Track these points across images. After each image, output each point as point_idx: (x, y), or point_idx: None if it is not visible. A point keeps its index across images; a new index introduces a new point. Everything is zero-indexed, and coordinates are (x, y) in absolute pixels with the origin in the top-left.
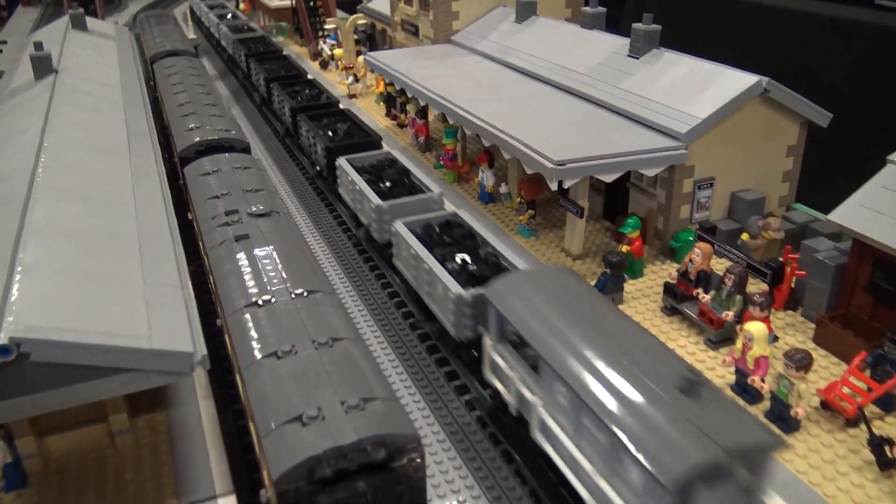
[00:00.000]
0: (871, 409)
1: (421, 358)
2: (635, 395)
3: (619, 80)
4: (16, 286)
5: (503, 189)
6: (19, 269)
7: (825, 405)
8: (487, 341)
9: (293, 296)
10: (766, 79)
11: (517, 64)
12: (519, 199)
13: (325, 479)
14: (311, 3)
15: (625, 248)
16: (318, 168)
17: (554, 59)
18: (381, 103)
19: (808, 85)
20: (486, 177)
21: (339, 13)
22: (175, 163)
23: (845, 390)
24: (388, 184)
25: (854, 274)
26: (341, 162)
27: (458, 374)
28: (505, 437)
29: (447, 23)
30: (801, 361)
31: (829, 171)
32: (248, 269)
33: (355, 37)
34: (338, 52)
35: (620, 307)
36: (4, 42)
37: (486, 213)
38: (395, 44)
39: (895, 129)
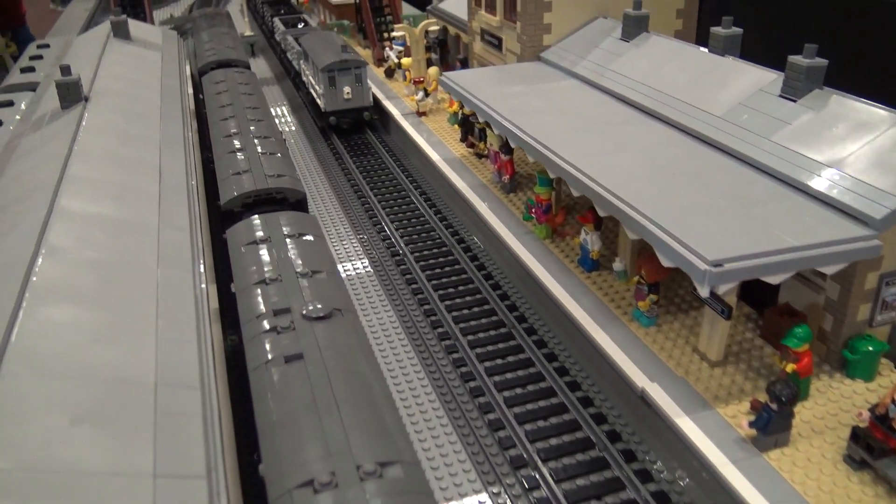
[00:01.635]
0: None
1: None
2: None
3: (771, 130)
4: None
5: (617, 266)
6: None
7: None
8: None
9: (362, 475)
10: None
11: (628, 95)
12: (637, 279)
13: None
14: (377, 3)
15: (790, 368)
16: None
17: (677, 92)
18: (456, 126)
19: None
20: (590, 240)
21: (406, 7)
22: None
23: None
24: None
25: None
26: None
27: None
28: None
29: (537, 36)
30: None
31: None
32: (306, 433)
33: (425, 43)
34: (406, 61)
35: (785, 452)
36: (47, 45)
37: (589, 285)
38: (472, 55)
39: None
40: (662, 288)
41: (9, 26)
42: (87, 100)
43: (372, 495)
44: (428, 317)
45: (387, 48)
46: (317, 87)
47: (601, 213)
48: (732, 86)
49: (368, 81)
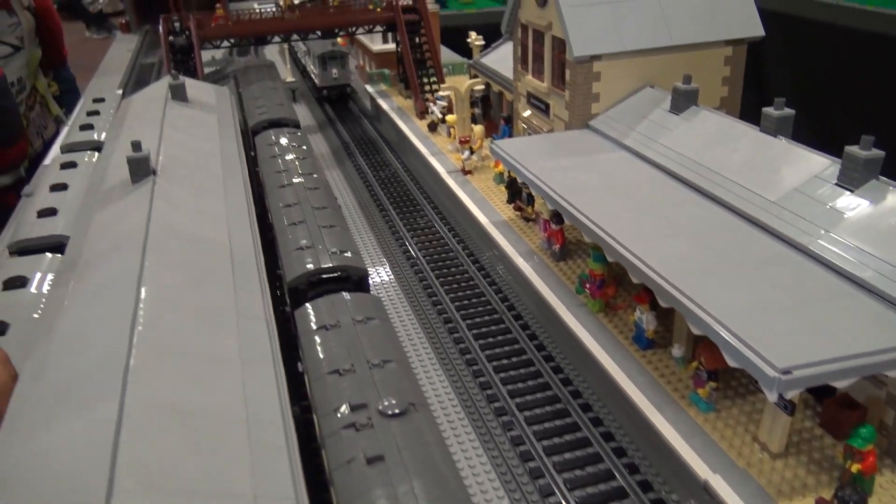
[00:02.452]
0: None
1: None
2: None
3: (829, 221)
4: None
5: (676, 352)
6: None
7: None
8: None
9: None
10: None
11: (680, 173)
12: (697, 365)
13: None
14: (419, 55)
15: (855, 468)
16: None
17: (730, 173)
18: (503, 187)
19: None
20: (645, 320)
21: (445, 52)
22: (284, 290)
23: None
24: None
25: None
26: None
27: None
28: None
29: (585, 105)
30: None
31: None
32: None
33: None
34: (451, 118)
35: None
36: (102, 100)
37: (644, 364)
38: (517, 114)
39: None
40: (722, 381)
41: (51, 66)
42: (155, 173)
43: None
44: (483, 389)
45: (430, 103)
46: (314, 70)
47: (663, 305)
48: (786, 170)
49: (350, 67)
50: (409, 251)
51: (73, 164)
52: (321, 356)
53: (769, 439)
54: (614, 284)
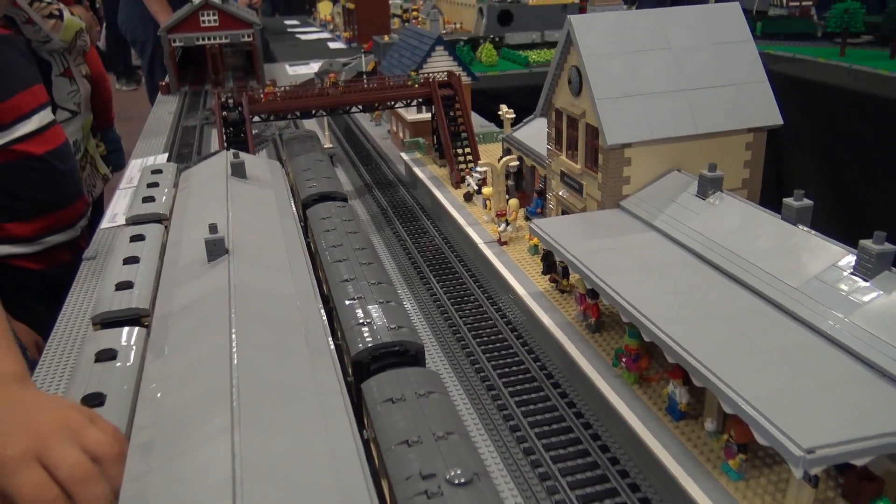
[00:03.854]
0: None
1: None
2: None
3: (847, 308)
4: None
5: (709, 426)
6: None
7: None
8: None
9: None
10: None
11: (708, 257)
12: (727, 438)
13: None
14: (454, 128)
15: None
16: None
17: (754, 258)
18: (539, 259)
19: None
20: (678, 393)
21: (476, 118)
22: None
23: None
24: None
25: None
26: None
27: None
28: None
29: (617, 187)
30: None
31: None
32: None
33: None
34: (487, 190)
35: None
36: (159, 171)
37: (678, 435)
38: (551, 189)
39: None
40: (752, 451)
41: (100, 128)
42: (228, 252)
43: None
44: (527, 455)
45: (466, 175)
46: None
47: (697, 384)
48: (807, 258)
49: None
50: (451, 318)
51: (141, 237)
52: (392, 429)
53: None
54: (648, 357)
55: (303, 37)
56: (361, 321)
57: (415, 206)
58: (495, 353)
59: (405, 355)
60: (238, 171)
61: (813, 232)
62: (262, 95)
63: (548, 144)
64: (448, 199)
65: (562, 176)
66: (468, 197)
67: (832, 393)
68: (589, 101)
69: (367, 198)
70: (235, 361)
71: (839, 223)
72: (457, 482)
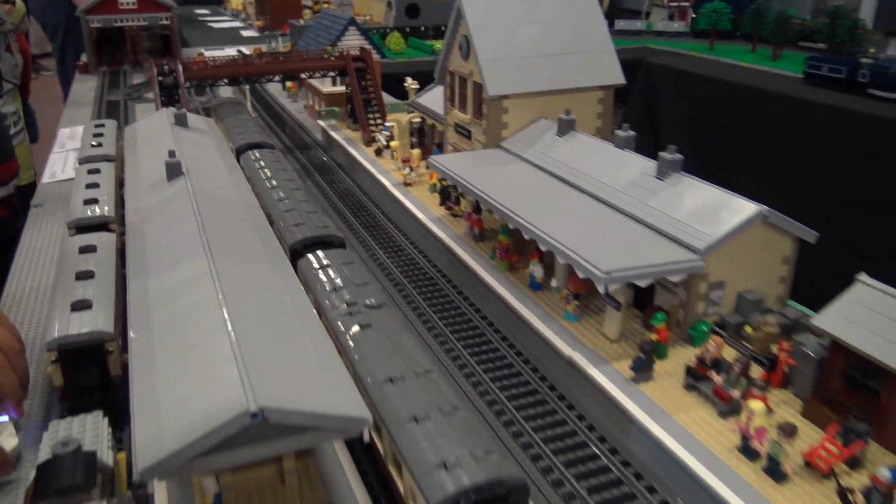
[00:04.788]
0: (841, 468)
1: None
2: None
3: (647, 198)
4: (243, 366)
5: (554, 283)
6: (244, 347)
7: (808, 464)
8: None
9: (416, 373)
10: (765, 208)
11: (560, 174)
12: (566, 291)
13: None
14: (365, 96)
15: (654, 337)
16: None
17: (592, 172)
18: (436, 193)
19: (801, 161)
20: (536, 270)
21: (385, 97)
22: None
23: (822, 453)
24: None
25: (832, 365)
26: None
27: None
28: None
29: (497, 131)
30: (789, 432)
31: (820, 275)
32: (378, 357)
33: (409, 130)
34: (394, 144)
35: (651, 383)
36: (102, 125)
37: (536, 299)
38: (447, 140)
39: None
40: (582, 300)
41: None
42: (184, 174)
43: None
44: (425, 323)
45: (375, 133)
46: None
47: (542, 249)
48: (627, 170)
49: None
50: (365, 242)
51: (97, 171)
52: (324, 282)
53: (608, 331)
54: (517, 253)
55: (215, 25)
56: (295, 223)
57: (331, 164)
58: (398, 258)
59: (329, 244)
60: (181, 121)
61: (633, 153)
62: (193, 64)
63: (444, 102)
64: (361, 155)
65: (455, 127)
66: (378, 152)
67: (628, 244)
68: (475, 62)
69: (289, 158)
70: (209, 246)
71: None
72: (371, 305)
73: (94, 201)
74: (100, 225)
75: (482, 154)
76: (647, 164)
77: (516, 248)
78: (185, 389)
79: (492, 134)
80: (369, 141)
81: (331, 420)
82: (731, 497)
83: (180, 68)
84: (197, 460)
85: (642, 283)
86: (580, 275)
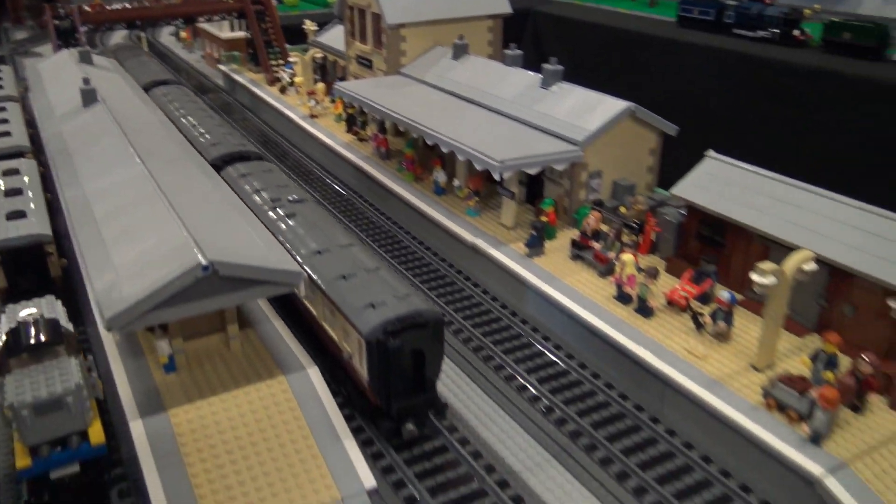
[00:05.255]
0: (694, 303)
1: None
2: None
3: (533, 104)
4: (190, 235)
5: (456, 183)
6: (187, 221)
7: (669, 302)
8: None
9: (340, 246)
10: (633, 104)
11: (457, 91)
12: (467, 190)
13: (394, 331)
14: (266, 38)
15: (543, 219)
16: None
17: (485, 88)
18: (343, 122)
19: (677, 97)
20: (439, 175)
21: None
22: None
23: (680, 292)
24: None
25: (688, 227)
26: None
27: None
28: None
29: (397, 58)
30: (653, 273)
31: (682, 163)
32: (306, 236)
33: (313, 66)
34: (299, 80)
35: (543, 257)
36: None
37: (440, 202)
38: (349, 72)
39: (731, 135)
40: (482, 200)
41: None
42: (99, 101)
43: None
44: None
45: (279, 72)
46: None
47: (444, 150)
48: (515, 83)
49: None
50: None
51: (3, 109)
52: (246, 186)
53: (506, 220)
54: (421, 167)
55: None
56: (212, 143)
57: (236, 105)
58: (310, 182)
59: (248, 158)
60: (85, 58)
61: (521, 69)
62: (90, 7)
63: (345, 37)
64: (267, 94)
65: (357, 58)
66: (283, 90)
67: (519, 142)
68: None
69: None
70: (138, 154)
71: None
72: (293, 200)
73: (8, 134)
74: (16, 154)
75: (384, 80)
76: (532, 77)
77: (420, 161)
78: (138, 256)
79: (392, 61)
80: (273, 81)
81: (272, 273)
82: (611, 332)
83: (77, 13)
84: (156, 311)
85: (532, 171)
86: (478, 167)
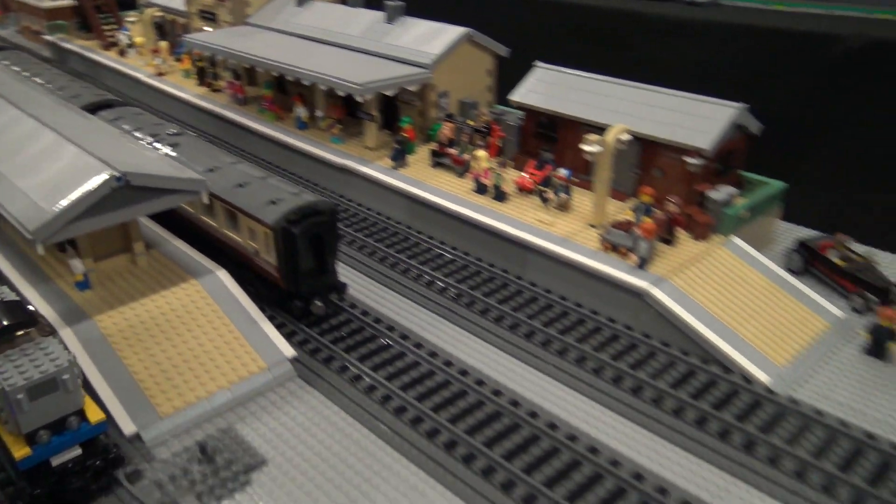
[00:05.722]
0: (539, 187)
1: None
2: None
3: (381, 37)
4: (96, 155)
5: (319, 114)
6: (87, 147)
7: (520, 189)
8: None
9: (228, 163)
10: (471, 29)
11: (306, 34)
12: (330, 120)
13: (295, 220)
14: (96, 3)
15: (404, 135)
16: None
17: (333, 28)
18: (193, 76)
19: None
20: (301, 111)
21: None
22: None
23: (527, 178)
24: None
25: (527, 128)
26: None
27: None
28: None
29: (242, 10)
30: (503, 163)
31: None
32: (195, 159)
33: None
34: (139, 40)
35: (408, 168)
36: None
37: (304, 136)
38: (193, 28)
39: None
40: (344, 128)
41: None
42: None
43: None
44: None
45: (116, 35)
46: None
47: (306, 84)
48: (362, 21)
49: None
50: None
51: None
52: (124, 127)
53: (368, 142)
54: (281, 107)
55: None
56: (72, 96)
57: (73, 73)
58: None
59: (113, 106)
60: None
61: (364, 9)
62: None
63: None
64: (105, 58)
65: (200, 13)
66: (122, 52)
67: (376, 69)
68: None
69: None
70: (14, 101)
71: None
72: (172, 133)
73: None
74: None
75: (233, 30)
76: (376, 15)
77: (280, 102)
78: (47, 181)
79: (237, 13)
80: (108, 45)
81: (179, 182)
82: (472, 214)
83: None
84: (77, 222)
85: (389, 92)
86: (340, 93)
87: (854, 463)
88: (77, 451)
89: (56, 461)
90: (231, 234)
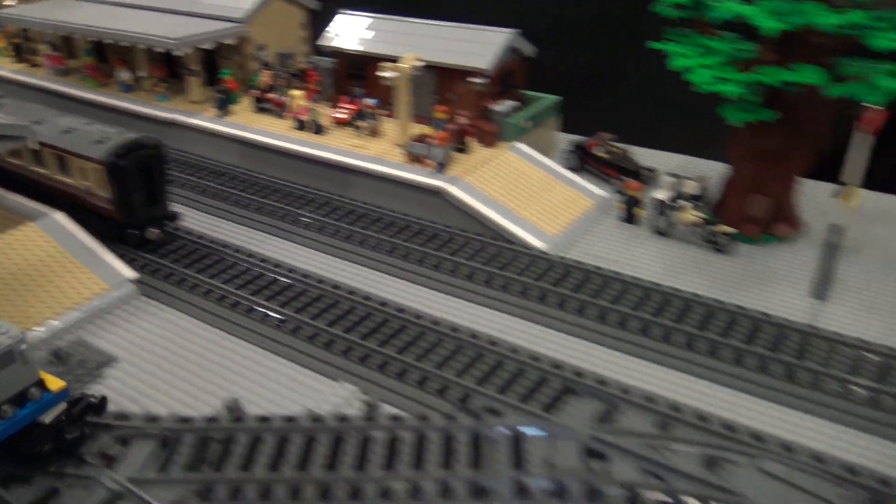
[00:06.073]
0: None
1: None
2: None
3: (193, 1)
4: None
5: (142, 74)
6: None
7: (336, 122)
8: None
9: (52, 115)
10: None
11: (123, 2)
12: (153, 79)
13: (122, 154)
14: None
15: (226, 85)
16: None
17: None
18: (9, 53)
19: None
20: (123, 75)
21: None
22: None
23: (341, 113)
24: None
25: (339, 70)
26: None
27: None
28: None
29: None
30: (317, 100)
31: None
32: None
33: None
34: None
35: (233, 116)
36: None
37: (131, 97)
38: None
39: None
40: (169, 87)
41: None
42: None
43: None
44: None
45: None
46: None
47: (126, 45)
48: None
49: None
50: None
51: None
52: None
53: (192, 96)
54: (102, 74)
55: None
56: None
57: None
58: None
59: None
60: None
61: None
62: None
63: None
64: None
65: None
66: None
67: (192, 26)
68: None
69: None
70: None
71: None
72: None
73: None
74: None
75: (46, 4)
76: None
77: (102, 70)
78: None
79: None
80: None
81: (7, 128)
82: (296, 147)
83: None
84: None
85: (206, 46)
86: (159, 50)
87: (603, 290)
88: (63, 406)
89: (48, 418)
90: (63, 178)
